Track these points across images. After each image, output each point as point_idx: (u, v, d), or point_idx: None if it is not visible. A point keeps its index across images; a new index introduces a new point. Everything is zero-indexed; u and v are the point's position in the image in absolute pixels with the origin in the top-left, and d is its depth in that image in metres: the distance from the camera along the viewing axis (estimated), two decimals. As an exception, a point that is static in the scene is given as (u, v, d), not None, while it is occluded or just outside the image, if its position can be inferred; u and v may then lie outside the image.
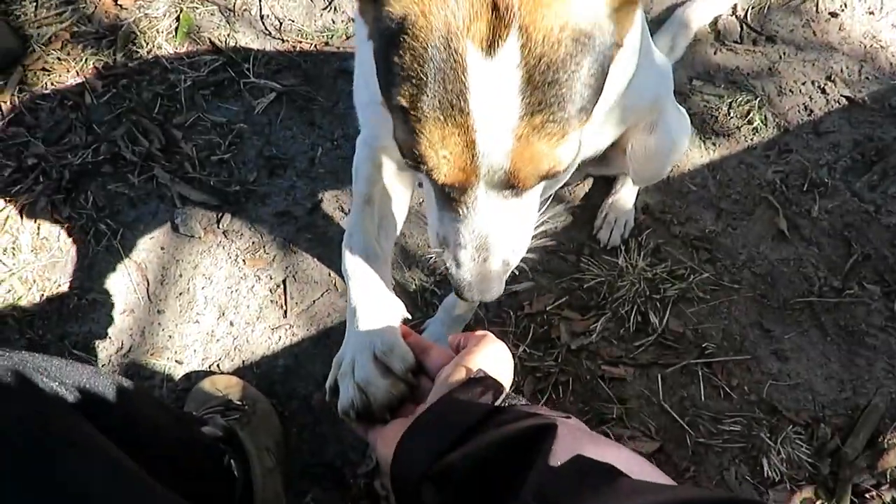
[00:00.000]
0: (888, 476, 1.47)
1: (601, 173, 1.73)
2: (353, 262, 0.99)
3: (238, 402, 1.48)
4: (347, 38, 2.01)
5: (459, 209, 0.75)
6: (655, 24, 1.91)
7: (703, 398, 1.57)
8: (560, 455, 0.63)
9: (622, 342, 1.63)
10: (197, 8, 2.05)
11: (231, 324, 1.69)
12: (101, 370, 1.03)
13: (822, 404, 1.56)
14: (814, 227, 1.73)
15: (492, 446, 0.67)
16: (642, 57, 1.12)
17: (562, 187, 1.69)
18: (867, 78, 1.91)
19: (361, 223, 1.04)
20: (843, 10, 1.99)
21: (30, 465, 0.74)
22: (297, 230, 1.77)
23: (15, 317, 1.69)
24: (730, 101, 1.89)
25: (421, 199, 1.67)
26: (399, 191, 1.14)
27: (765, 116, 1.87)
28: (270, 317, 1.69)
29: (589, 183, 1.82)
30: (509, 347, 0.88)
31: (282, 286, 1.72)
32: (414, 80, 0.66)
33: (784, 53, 1.95)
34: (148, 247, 1.77)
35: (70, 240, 1.78)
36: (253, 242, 1.77)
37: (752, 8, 2.00)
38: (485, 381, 0.76)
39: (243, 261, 1.75)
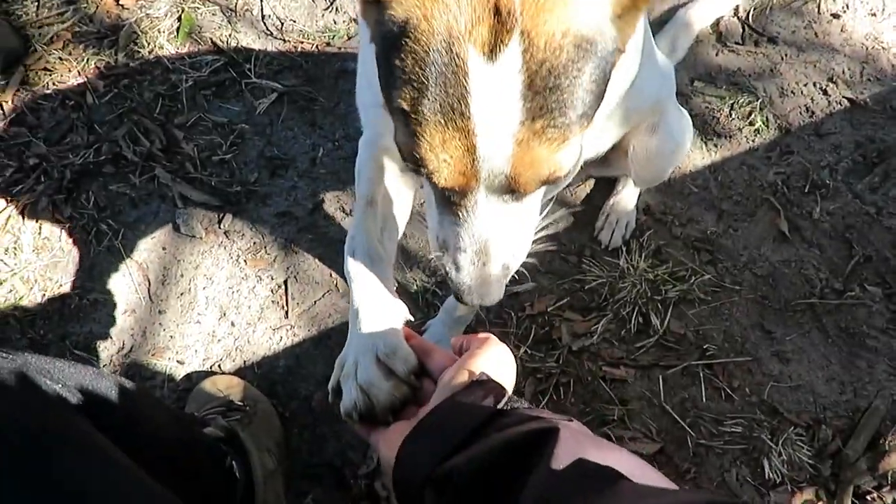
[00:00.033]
0: (889, 478, 1.47)
1: (602, 174, 1.73)
2: (355, 264, 0.99)
3: (239, 403, 1.48)
4: (349, 38, 2.01)
5: (459, 213, 0.75)
6: (657, 25, 1.91)
7: (704, 399, 1.57)
8: (562, 459, 0.63)
9: (623, 343, 1.63)
10: (198, 8, 2.05)
11: (232, 324, 1.69)
12: (104, 371, 1.03)
13: (823, 406, 1.56)
14: (815, 228, 1.73)
15: (494, 450, 0.67)
16: (644, 58, 1.12)
17: (563, 189, 1.69)
18: (869, 79, 1.91)
19: (364, 225, 1.04)
20: (844, 12, 1.99)
21: (27, 463, 0.74)
22: (298, 231, 1.77)
23: (16, 317, 1.69)
24: (731, 102, 1.89)
25: (423, 200, 1.67)
26: (402, 192, 1.14)
27: (766, 118, 1.87)
28: (271, 317, 1.70)
29: (590, 184, 1.82)
30: (510, 348, 0.88)
31: (283, 287, 1.72)
32: (415, 84, 0.66)
33: (786, 55, 1.95)
34: (149, 247, 1.77)
35: (71, 240, 1.78)
36: (254, 243, 1.77)
37: (754, 9, 2.00)
38: (487, 385, 0.76)
39: (244, 261, 1.75)
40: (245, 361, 1.65)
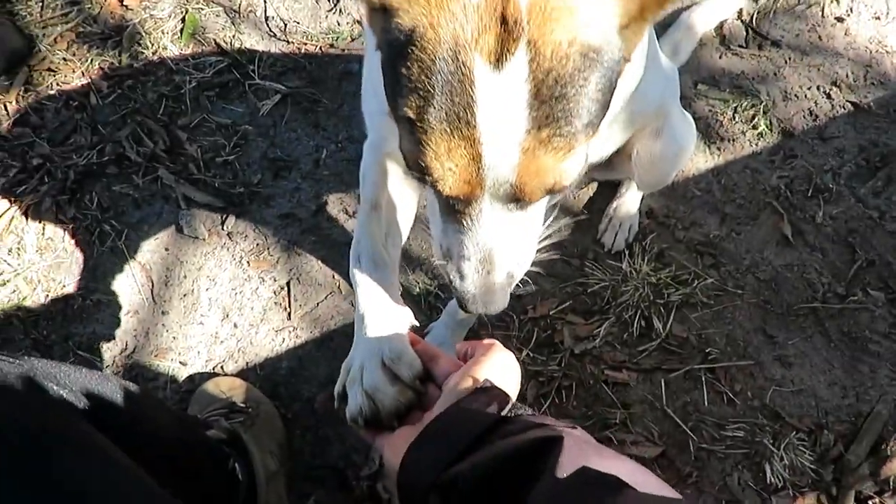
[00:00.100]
0: (891, 483, 1.47)
1: (606, 178, 1.74)
2: (360, 270, 0.99)
3: (242, 405, 1.49)
4: (352, 40, 2.01)
5: (464, 221, 0.75)
6: (661, 29, 1.91)
7: (706, 403, 1.57)
8: (566, 467, 0.64)
9: (626, 347, 1.63)
10: (202, 9, 2.05)
11: (235, 325, 1.69)
12: (109, 375, 1.03)
13: (825, 411, 1.56)
14: (818, 232, 1.73)
15: (498, 457, 0.67)
16: (648, 62, 1.12)
17: (566, 193, 1.70)
18: (873, 83, 1.90)
19: (369, 229, 1.05)
20: (848, 15, 1.98)
21: (27, 463, 0.75)
22: (301, 232, 1.78)
23: (20, 317, 1.69)
24: (735, 105, 1.89)
25: (426, 204, 1.67)
26: (406, 196, 1.14)
27: (770, 121, 1.87)
28: (274, 319, 1.70)
29: (593, 187, 1.82)
30: (513, 351, 0.89)
31: (286, 288, 1.73)
32: (421, 92, 0.66)
33: (789, 58, 1.95)
34: (152, 248, 1.78)
35: (75, 240, 1.79)
36: (257, 244, 1.77)
37: (758, 12, 2.00)
38: (491, 392, 0.77)
39: (247, 262, 1.76)
40: (248, 363, 1.65)
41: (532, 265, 0.84)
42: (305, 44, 2.01)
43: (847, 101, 1.88)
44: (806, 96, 1.90)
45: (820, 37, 1.97)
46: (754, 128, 1.86)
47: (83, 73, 1.97)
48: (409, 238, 1.72)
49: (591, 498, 0.62)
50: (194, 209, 1.80)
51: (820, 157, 1.82)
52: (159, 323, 1.70)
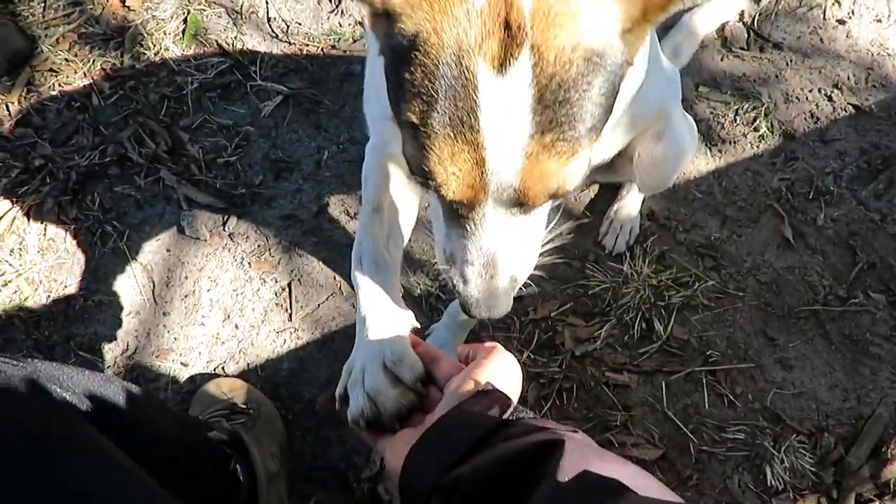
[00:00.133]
0: (892, 486, 1.47)
1: (607, 180, 1.74)
2: (362, 272, 0.99)
3: (243, 406, 1.49)
4: (354, 41, 2.01)
5: (467, 226, 0.75)
6: (662, 31, 1.91)
7: (706, 406, 1.57)
8: (567, 470, 0.64)
9: (626, 349, 1.63)
10: (204, 10, 2.05)
11: (236, 326, 1.70)
12: (111, 377, 1.03)
13: (826, 413, 1.56)
14: (819, 235, 1.73)
15: (500, 460, 0.67)
16: (650, 64, 1.13)
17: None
18: (874, 86, 1.91)
19: (370, 231, 1.05)
20: (850, 18, 1.99)
21: (30, 465, 0.75)
22: (302, 233, 1.78)
23: (21, 318, 1.69)
24: (736, 107, 1.89)
25: (427, 205, 1.67)
26: (408, 198, 1.14)
27: (771, 124, 1.87)
28: (275, 320, 1.70)
29: (594, 189, 1.82)
30: (514, 353, 0.89)
31: (287, 289, 1.73)
32: (424, 97, 0.66)
33: (791, 60, 1.95)
34: (154, 249, 1.78)
35: (76, 241, 1.79)
36: (258, 245, 1.78)
37: (760, 15, 2.00)
38: (493, 395, 0.77)
39: (249, 264, 1.76)
40: (249, 364, 1.66)
41: (535, 269, 0.84)
42: (307, 45, 2.01)
43: (848, 103, 1.88)
44: (807, 98, 1.90)
45: (821, 39, 1.97)
46: (755, 130, 1.86)
47: (85, 74, 1.98)
48: (410, 240, 1.73)
49: (592, 502, 0.62)
50: (196, 210, 1.80)
51: (821, 160, 1.82)
52: (160, 324, 1.70)
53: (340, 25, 2.04)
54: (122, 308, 1.72)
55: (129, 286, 1.74)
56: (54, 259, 1.77)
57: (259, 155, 1.87)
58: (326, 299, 1.71)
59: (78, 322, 1.70)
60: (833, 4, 1.99)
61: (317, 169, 1.85)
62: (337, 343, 1.66)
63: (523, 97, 0.65)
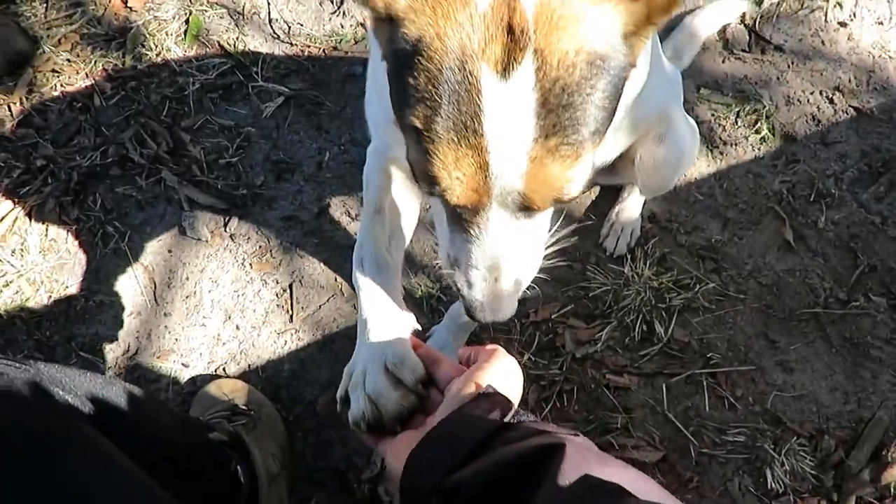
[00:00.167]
0: (892, 489, 1.47)
1: (608, 182, 1.74)
2: (363, 274, 0.99)
3: (244, 407, 1.49)
4: (356, 42, 2.01)
5: (471, 230, 0.75)
6: (663, 32, 1.91)
7: (707, 408, 1.57)
8: (568, 474, 0.64)
9: (627, 351, 1.63)
10: (206, 11, 2.06)
11: (237, 327, 1.70)
12: (114, 379, 1.04)
13: (826, 416, 1.56)
14: (820, 237, 1.73)
15: (501, 464, 0.68)
16: (651, 67, 1.12)
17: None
18: (875, 88, 1.91)
19: (372, 233, 1.05)
20: (851, 20, 1.99)
21: (30, 465, 0.75)
22: (303, 234, 1.78)
23: (23, 318, 1.70)
24: (737, 110, 1.89)
25: (429, 206, 1.67)
26: (409, 201, 1.14)
27: (772, 126, 1.87)
28: (276, 321, 1.70)
29: (595, 191, 1.82)
30: (514, 355, 0.89)
31: (288, 290, 1.73)
32: (428, 102, 0.67)
33: (792, 63, 1.95)
34: (155, 249, 1.78)
35: (78, 242, 1.79)
36: (260, 246, 1.78)
37: (761, 17, 2.00)
38: (493, 398, 0.77)
39: (250, 265, 1.76)
40: (249, 365, 1.66)
41: (539, 272, 0.85)
42: (309, 46, 2.01)
43: (850, 106, 1.88)
44: (808, 101, 1.90)
45: (823, 41, 1.97)
46: (757, 132, 1.86)
47: (87, 75, 1.98)
48: (411, 241, 1.73)
49: (593, 505, 0.62)
50: (197, 211, 1.80)
51: (822, 162, 1.82)
52: (161, 324, 1.70)
53: (342, 27, 2.04)
54: (123, 309, 1.72)
55: (131, 287, 1.74)
56: (56, 260, 1.77)
57: (260, 156, 1.87)
58: (327, 300, 1.72)
59: (79, 323, 1.70)
60: (834, 7, 1.99)
61: (318, 170, 1.85)
62: (338, 344, 1.67)
63: (527, 101, 0.65)
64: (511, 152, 0.67)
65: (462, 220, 0.75)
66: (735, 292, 1.68)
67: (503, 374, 0.82)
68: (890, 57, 1.94)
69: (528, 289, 0.86)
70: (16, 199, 1.82)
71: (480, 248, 0.76)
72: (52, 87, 1.96)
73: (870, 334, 1.63)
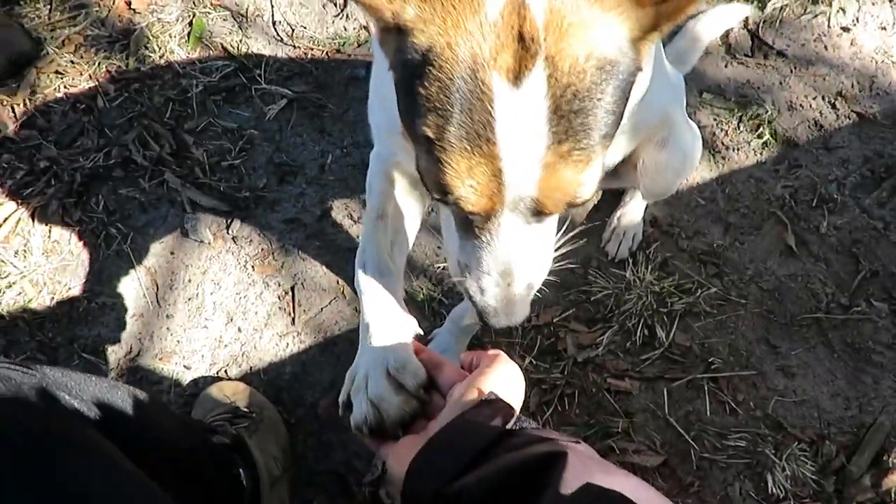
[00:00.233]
0: (893, 495, 1.47)
1: (611, 187, 1.74)
2: (366, 278, 1.00)
3: (245, 410, 1.49)
4: (359, 45, 2.02)
5: (482, 236, 0.76)
6: (666, 37, 1.90)
7: (708, 413, 1.58)
8: (570, 483, 0.64)
9: (628, 355, 1.63)
10: (209, 13, 2.06)
11: (239, 330, 1.70)
12: (119, 383, 1.04)
13: (827, 421, 1.57)
14: (822, 242, 1.73)
15: (503, 471, 0.68)
16: (654, 71, 1.13)
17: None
18: (878, 94, 1.91)
19: (375, 238, 1.05)
20: (854, 25, 1.99)
21: (30, 465, 0.75)
22: (306, 237, 1.78)
23: (25, 319, 1.70)
24: (739, 114, 1.89)
25: (430, 210, 1.68)
26: (411, 206, 1.15)
27: (774, 131, 1.87)
28: (278, 323, 1.70)
29: (598, 195, 1.82)
30: (516, 359, 0.90)
31: (290, 293, 1.73)
32: (440, 111, 0.67)
33: (795, 68, 1.95)
34: (158, 251, 1.79)
35: (81, 243, 1.79)
36: (262, 249, 1.78)
37: (764, 22, 2.00)
38: (496, 404, 0.77)
39: (252, 267, 1.76)
40: (251, 367, 1.66)
41: (549, 275, 0.85)
42: (312, 49, 2.02)
43: (852, 111, 1.88)
44: (811, 106, 1.90)
45: (825, 47, 1.97)
46: (759, 137, 1.86)
47: (90, 76, 1.98)
48: (413, 245, 1.74)
49: (595, 513, 0.62)
50: (200, 213, 1.81)
51: (824, 168, 1.82)
52: (164, 326, 1.71)
53: (345, 29, 2.04)
54: (125, 310, 1.72)
55: (133, 289, 1.75)
56: (58, 261, 1.78)
57: (263, 158, 1.87)
58: (329, 303, 1.72)
59: (81, 324, 1.70)
60: (838, 12, 2.00)
61: (320, 173, 1.85)
62: (339, 347, 1.67)
63: (539, 108, 0.66)
64: (524, 159, 0.67)
65: (473, 226, 0.76)
66: (736, 297, 1.68)
67: (505, 380, 0.82)
68: (893, 62, 1.94)
69: (537, 291, 0.87)
70: (19, 201, 1.83)
71: (492, 254, 0.76)
72: (55, 89, 1.97)
73: (871, 340, 1.63)
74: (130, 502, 0.84)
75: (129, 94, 1.95)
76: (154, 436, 1.07)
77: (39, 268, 1.77)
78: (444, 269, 1.73)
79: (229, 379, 1.64)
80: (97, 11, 2.07)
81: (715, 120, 1.89)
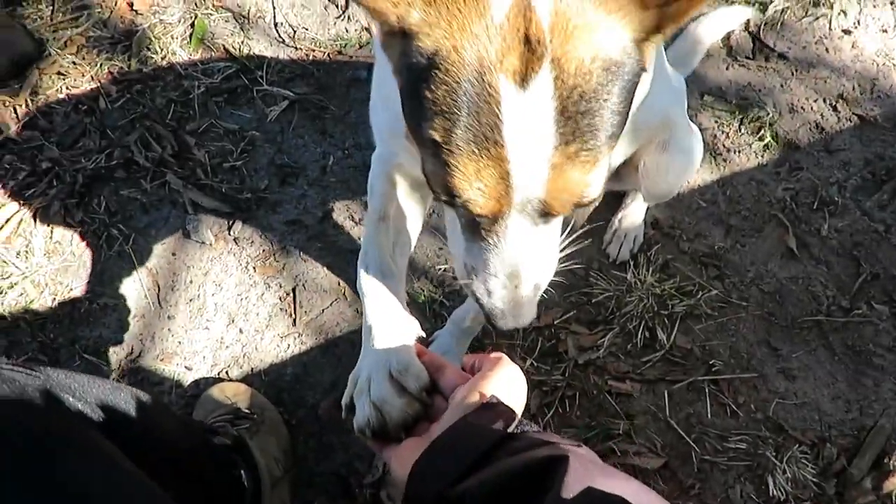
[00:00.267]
0: (893, 498, 1.47)
1: (612, 189, 1.74)
2: (368, 281, 1.00)
3: (247, 411, 1.50)
4: (361, 47, 2.02)
5: (490, 238, 0.76)
6: (668, 40, 1.91)
7: (709, 415, 1.58)
8: (572, 487, 0.64)
9: (629, 357, 1.63)
10: (211, 14, 2.06)
11: (240, 331, 1.70)
12: (122, 385, 1.04)
13: (828, 424, 1.57)
14: (823, 245, 1.74)
15: (505, 475, 0.68)
16: (655, 73, 1.13)
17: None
18: (879, 96, 1.91)
19: (377, 240, 1.05)
20: (856, 28, 1.99)
21: (30, 465, 0.75)
22: (307, 239, 1.79)
23: (27, 320, 1.70)
24: (741, 117, 1.89)
25: (431, 211, 1.68)
26: (413, 207, 1.15)
27: (775, 133, 1.87)
28: (279, 325, 1.71)
29: (601, 197, 1.82)
30: (517, 361, 0.90)
31: (291, 294, 1.73)
32: (447, 115, 0.67)
33: (796, 70, 1.95)
34: (159, 252, 1.79)
35: (82, 244, 1.80)
36: (263, 250, 1.78)
37: (765, 24, 2.00)
38: (497, 407, 0.77)
39: (254, 268, 1.77)
40: (252, 368, 1.66)
41: (556, 276, 0.85)
42: (314, 50, 2.02)
43: (853, 113, 1.89)
44: (812, 109, 1.90)
45: (827, 49, 1.97)
46: (760, 140, 1.86)
47: (92, 78, 1.98)
48: (414, 245, 1.74)
49: (596, 517, 0.62)
50: (201, 214, 1.81)
51: (826, 170, 1.82)
52: (165, 327, 1.71)
53: (347, 31, 2.05)
54: (126, 311, 1.72)
55: (135, 290, 1.75)
56: (60, 262, 1.78)
57: (265, 160, 1.87)
58: (330, 304, 1.72)
59: (83, 325, 1.71)
60: (839, 15, 2.00)
61: (322, 174, 1.85)
62: (341, 348, 1.67)
63: (546, 110, 0.66)
64: (532, 161, 0.68)
65: (480, 228, 0.76)
66: (737, 299, 1.68)
67: (507, 383, 0.83)
68: (894, 65, 1.94)
69: (543, 292, 0.87)
70: (21, 202, 1.83)
71: (499, 256, 0.76)
72: (57, 90, 1.97)
73: (872, 342, 1.63)
74: (130, 502, 0.84)
75: (131, 95, 1.95)
76: (156, 437, 1.07)
77: (41, 268, 1.77)
78: (445, 270, 1.73)
79: (230, 380, 1.64)
80: (99, 12, 2.07)
81: (716, 122, 1.89)
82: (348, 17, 2.06)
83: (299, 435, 1.57)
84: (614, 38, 0.69)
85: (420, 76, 0.68)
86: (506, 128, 0.66)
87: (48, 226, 1.81)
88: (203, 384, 1.63)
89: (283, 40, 2.03)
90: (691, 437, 1.55)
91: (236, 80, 1.97)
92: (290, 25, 2.06)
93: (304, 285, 1.74)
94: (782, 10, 2.01)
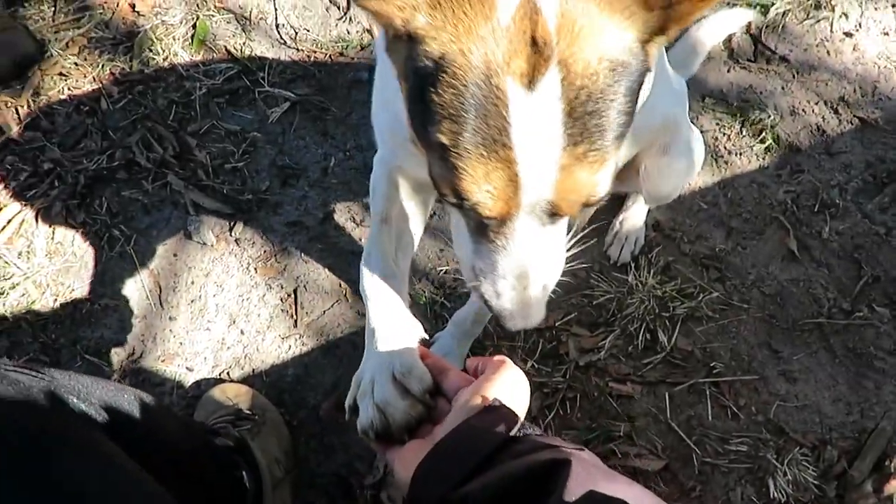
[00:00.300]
0: (894, 500, 1.47)
1: (613, 191, 1.74)
2: (371, 283, 1.00)
3: (248, 412, 1.50)
4: (362, 48, 2.02)
5: (498, 240, 0.76)
6: (671, 41, 1.91)
7: (710, 417, 1.58)
8: (574, 490, 0.64)
9: (630, 359, 1.64)
10: (213, 16, 2.07)
11: (242, 332, 1.70)
12: (125, 386, 1.04)
13: (829, 426, 1.57)
14: (824, 248, 1.74)
15: (508, 478, 0.68)
16: (656, 75, 1.13)
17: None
18: (880, 99, 1.91)
19: (379, 242, 1.05)
20: (857, 31, 1.99)
21: (26, 464, 0.75)
22: (308, 240, 1.79)
23: (28, 321, 1.70)
24: (742, 119, 1.89)
25: (433, 213, 1.68)
26: (415, 210, 1.15)
27: (777, 136, 1.88)
28: (281, 326, 1.71)
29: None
30: (518, 362, 0.90)
31: (293, 295, 1.73)
32: (454, 118, 0.67)
33: (797, 73, 1.95)
34: (161, 253, 1.79)
35: (84, 245, 1.80)
36: (265, 251, 1.78)
37: (766, 27, 2.00)
38: (500, 411, 0.77)
39: (255, 269, 1.77)
40: (254, 369, 1.66)
41: (563, 276, 0.85)
42: (315, 52, 2.02)
43: (854, 116, 1.89)
44: (813, 111, 1.90)
45: (828, 52, 1.97)
46: (761, 142, 1.87)
47: (94, 79, 1.99)
48: (416, 247, 1.74)
49: (599, 521, 0.62)
50: (203, 215, 1.81)
51: (827, 173, 1.82)
52: (166, 328, 1.71)
53: (348, 32, 2.05)
54: (128, 312, 1.72)
55: (136, 290, 1.75)
56: (62, 262, 1.78)
57: (266, 161, 1.88)
58: (332, 306, 1.72)
59: (84, 325, 1.71)
60: (840, 17, 2.00)
61: (323, 176, 1.85)
62: (342, 349, 1.67)
63: (554, 111, 0.66)
64: (540, 162, 0.68)
65: (488, 230, 0.76)
66: (739, 302, 1.68)
67: (510, 386, 0.83)
68: (895, 67, 1.94)
69: (550, 292, 0.87)
70: (23, 202, 1.83)
71: (508, 258, 0.77)
72: (59, 91, 1.97)
73: (873, 345, 1.63)
74: (127, 501, 0.84)
75: (133, 96, 1.96)
76: (159, 438, 1.07)
77: (43, 269, 1.77)
78: (446, 272, 1.73)
79: (232, 381, 1.64)
80: (101, 14, 2.08)
81: (717, 125, 1.90)
82: (350, 19, 2.07)
83: (300, 436, 1.57)
84: (620, 38, 0.69)
85: (426, 80, 0.68)
86: (514, 130, 0.66)
87: (50, 226, 1.81)
88: (204, 385, 1.63)
89: (285, 42, 2.04)
90: (692, 440, 1.55)
91: (238, 82, 1.97)
92: (291, 27, 2.06)
93: (305, 286, 1.74)
94: (784, 13, 2.01)
